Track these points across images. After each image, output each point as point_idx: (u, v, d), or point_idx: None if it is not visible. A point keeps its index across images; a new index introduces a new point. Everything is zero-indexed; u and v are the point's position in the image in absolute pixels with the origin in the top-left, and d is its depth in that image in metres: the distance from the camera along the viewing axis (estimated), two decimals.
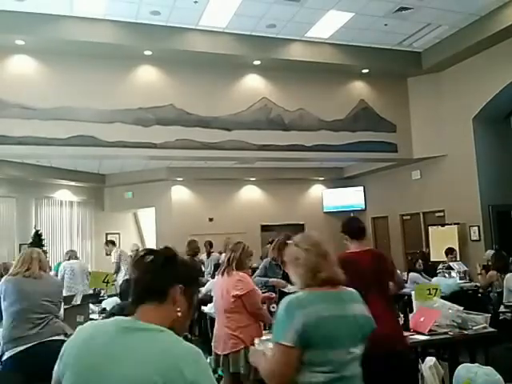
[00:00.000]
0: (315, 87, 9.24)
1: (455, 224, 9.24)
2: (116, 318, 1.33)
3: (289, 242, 3.92)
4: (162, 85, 8.36)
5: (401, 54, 9.34)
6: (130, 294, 1.38)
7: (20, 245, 10.40)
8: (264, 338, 3.29)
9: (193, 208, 12.08)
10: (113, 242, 9.51)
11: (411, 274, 6.98)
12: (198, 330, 6.85)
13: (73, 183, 12.10)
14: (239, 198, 12.64)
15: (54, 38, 7.35)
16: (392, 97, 9.86)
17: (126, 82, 8.17)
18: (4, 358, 3.27)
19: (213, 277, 7.04)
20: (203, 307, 6.04)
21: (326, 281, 1.94)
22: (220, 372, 4.46)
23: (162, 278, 1.34)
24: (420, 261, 7.51)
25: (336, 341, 1.81)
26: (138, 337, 1.24)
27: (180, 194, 12.21)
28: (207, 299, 6.25)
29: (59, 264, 7.85)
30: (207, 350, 5.96)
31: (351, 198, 12.88)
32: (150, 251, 1.40)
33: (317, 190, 13.30)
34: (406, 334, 3.52)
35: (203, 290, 6.73)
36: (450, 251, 7.59)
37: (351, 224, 3.18)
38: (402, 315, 3.69)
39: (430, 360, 2.95)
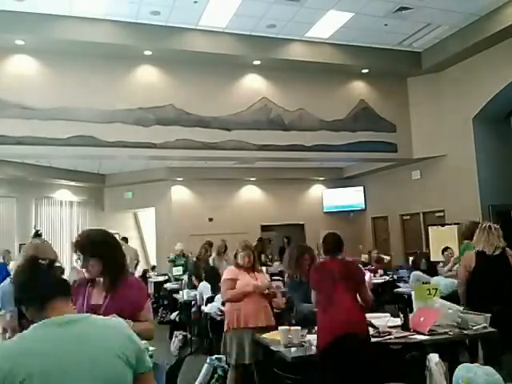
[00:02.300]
0: (315, 87, 9.24)
1: (455, 224, 9.24)
2: None
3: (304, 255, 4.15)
4: (162, 85, 8.36)
5: (401, 54, 9.34)
6: None
7: (20, 245, 10.40)
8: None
9: (193, 208, 12.08)
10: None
11: (414, 272, 6.96)
12: (198, 329, 6.85)
13: (73, 183, 12.11)
14: (239, 198, 12.65)
15: (53, 38, 7.35)
16: (392, 97, 9.86)
17: (126, 82, 8.17)
18: None
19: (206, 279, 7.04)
20: (203, 307, 6.05)
21: None
22: (220, 372, 4.47)
23: None
24: (424, 260, 7.54)
25: None
26: None
27: (180, 193, 12.21)
28: (207, 300, 6.27)
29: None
30: (207, 350, 5.97)
31: (351, 197, 12.89)
32: None
33: (317, 190, 13.30)
34: (405, 333, 3.53)
35: (197, 292, 6.76)
36: (445, 249, 7.60)
37: (328, 241, 3.67)
38: (401, 315, 3.70)
39: (435, 356, 2.96)
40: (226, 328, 4.11)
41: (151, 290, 10.71)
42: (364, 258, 9.77)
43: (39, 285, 1.52)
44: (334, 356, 3.15)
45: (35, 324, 1.43)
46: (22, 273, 1.58)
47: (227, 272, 4.24)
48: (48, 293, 1.51)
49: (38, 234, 10.17)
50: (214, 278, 6.87)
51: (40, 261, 1.59)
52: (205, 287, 6.65)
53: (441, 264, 7.37)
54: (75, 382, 1.33)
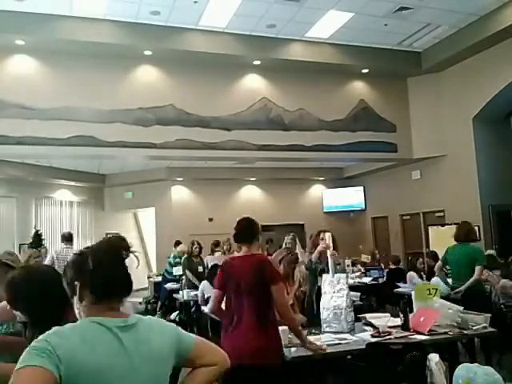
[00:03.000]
0: (315, 87, 9.24)
1: (455, 224, 9.21)
2: None
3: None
4: (161, 85, 8.36)
5: (401, 54, 9.34)
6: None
7: (20, 245, 10.41)
8: None
9: (193, 208, 12.08)
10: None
11: (409, 273, 6.97)
12: (198, 329, 6.85)
13: (73, 183, 12.11)
14: (239, 197, 12.64)
15: (53, 38, 7.35)
16: (392, 97, 9.86)
17: (126, 82, 8.17)
18: None
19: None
20: (203, 307, 6.05)
21: None
22: None
23: None
24: (420, 259, 7.52)
25: None
26: None
27: (180, 193, 12.21)
28: (206, 301, 6.27)
29: None
30: None
31: (351, 197, 12.89)
32: None
33: (317, 190, 13.30)
34: (405, 333, 3.52)
35: (199, 292, 6.77)
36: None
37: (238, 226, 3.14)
38: (401, 315, 3.70)
39: (435, 356, 2.96)
40: None
41: (151, 290, 10.72)
42: (365, 257, 9.76)
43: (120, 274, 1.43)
44: None
45: (100, 319, 1.33)
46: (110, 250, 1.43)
47: None
48: (118, 287, 1.43)
49: (38, 234, 10.19)
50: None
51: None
52: (206, 286, 6.63)
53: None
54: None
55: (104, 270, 1.39)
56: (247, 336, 2.79)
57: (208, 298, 6.22)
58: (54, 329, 1.28)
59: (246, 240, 3.05)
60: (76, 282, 1.40)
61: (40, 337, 1.24)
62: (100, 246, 1.46)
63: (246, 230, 3.09)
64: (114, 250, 1.44)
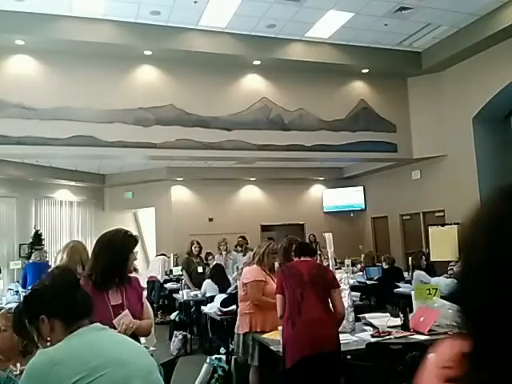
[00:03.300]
0: (315, 87, 9.24)
1: (455, 224, 9.23)
2: None
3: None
4: (161, 85, 8.36)
5: (401, 54, 9.34)
6: None
7: (20, 245, 10.41)
8: None
9: (193, 208, 12.08)
10: None
11: (416, 272, 6.94)
12: (197, 329, 6.86)
13: (73, 183, 12.10)
14: (239, 197, 12.65)
15: (54, 38, 7.35)
16: (392, 97, 9.86)
17: (126, 82, 8.16)
18: None
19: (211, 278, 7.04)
20: (203, 307, 6.05)
21: None
22: (220, 372, 4.47)
23: None
24: (424, 257, 7.52)
25: None
26: None
27: (180, 193, 12.21)
28: (206, 300, 6.27)
29: None
30: (207, 350, 5.98)
31: (351, 197, 12.89)
32: None
33: (317, 190, 13.30)
34: (405, 333, 3.52)
35: (201, 290, 6.77)
36: None
37: (299, 248, 3.61)
38: (401, 315, 3.70)
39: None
40: (246, 329, 3.97)
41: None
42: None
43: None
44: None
45: (82, 329, 1.52)
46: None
47: (257, 273, 4.05)
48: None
49: (38, 234, 10.19)
50: (225, 276, 6.86)
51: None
52: (209, 285, 6.63)
53: (453, 263, 7.33)
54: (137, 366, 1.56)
55: (66, 295, 1.56)
56: (318, 324, 3.09)
57: (207, 298, 6.23)
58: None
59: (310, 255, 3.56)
60: (42, 316, 1.52)
61: None
62: (52, 276, 1.63)
63: (310, 248, 3.72)
64: (67, 275, 1.66)
